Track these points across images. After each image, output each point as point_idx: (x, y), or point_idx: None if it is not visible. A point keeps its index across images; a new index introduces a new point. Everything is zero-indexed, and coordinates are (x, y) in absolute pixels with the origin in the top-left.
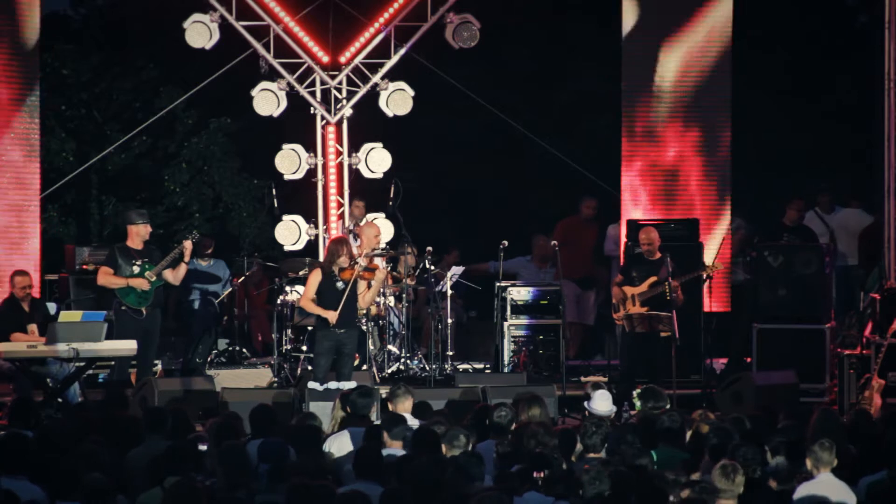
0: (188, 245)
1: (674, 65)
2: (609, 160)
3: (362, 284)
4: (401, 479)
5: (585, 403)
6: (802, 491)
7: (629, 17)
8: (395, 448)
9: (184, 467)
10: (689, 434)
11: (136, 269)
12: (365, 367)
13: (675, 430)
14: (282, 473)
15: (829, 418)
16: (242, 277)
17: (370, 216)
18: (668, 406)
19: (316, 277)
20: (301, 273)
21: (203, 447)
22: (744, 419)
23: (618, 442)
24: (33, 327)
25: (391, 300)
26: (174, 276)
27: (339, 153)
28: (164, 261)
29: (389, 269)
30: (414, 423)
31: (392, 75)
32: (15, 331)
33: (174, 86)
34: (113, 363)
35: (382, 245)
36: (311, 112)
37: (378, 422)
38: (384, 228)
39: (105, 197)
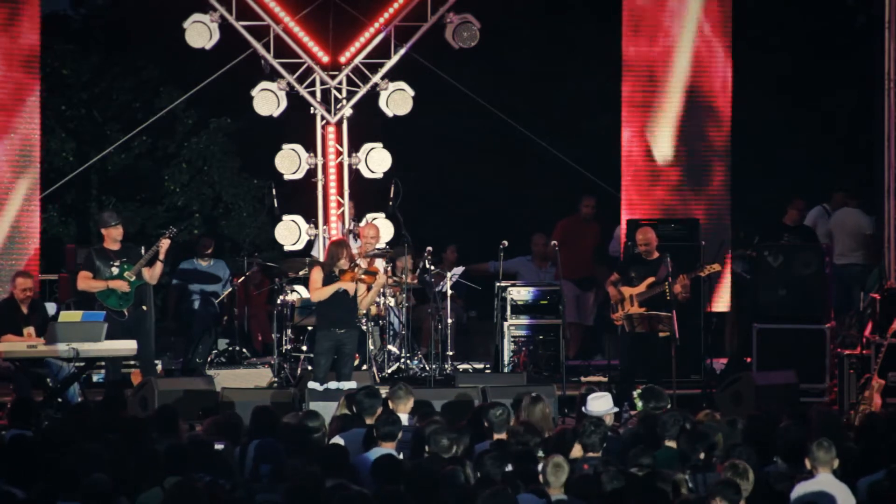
0: (164, 244)
1: (673, 64)
2: (609, 160)
3: (362, 287)
4: (399, 480)
5: (583, 409)
6: (800, 490)
7: (629, 19)
8: (387, 448)
9: (184, 467)
10: None
11: (115, 270)
12: (365, 367)
13: (675, 430)
14: (281, 473)
15: (830, 419)
16: (242, 277)
17: (370, 216)
18: (668, 406)
19: (318, 272)
20: (301, 273)
21: (219, 446)
22: (736, 421)
23: (618, 442)
24: (31, 330)
25: (391, 300)
26: (151, 274)
27: (339, 153)
28: (143, 259)
29: (390, 271)
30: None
31: (392, 75)
32: (10, 332)
33: (174, 86)
34: (104, 363)
35: (382, 245)
36: (311, 112)
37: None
38: (384, 228)
39: (105, 197)
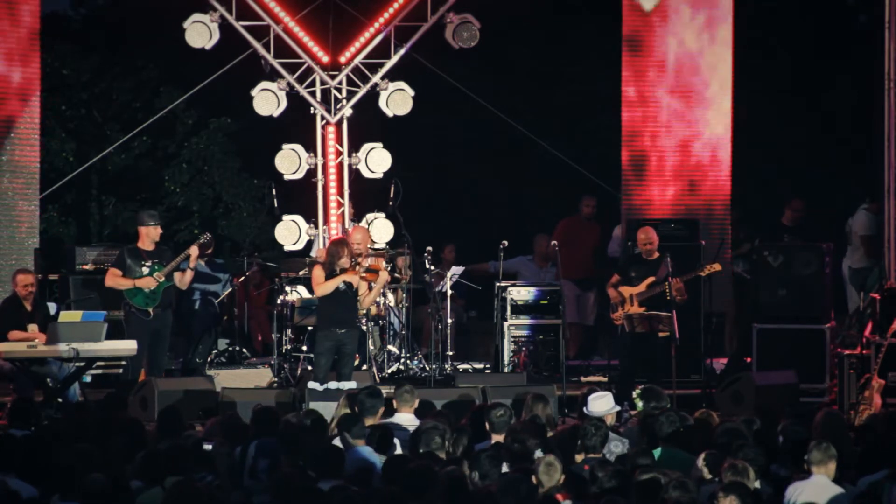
0: (194, 251)
1: (674, 64)
2: (609, 160)
3: (363, 285)
4: (393, 480)
5: (584, 409)
6: (793, 490)
7: (629, 18)
8: (359, 445)
9: (184, 467)
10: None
11: (146, 270)
12: (365, 367)
13: (675, 430)
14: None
15: (834, 420)
16: (242, 277)
17: (370, 216)
18: (668, 406)
19: (320, 270)
20: (301, 273)
21: (208, 446)
22: (754, 421)
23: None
24: (34, 327)
25: (391, 300)
26: (181, 280)
27: (339, 153)
28: (174, 262)
29: (389, 269)
30: (413, 423)
31: (392, 75)
32: (14, 329)
33: (174, 86)
34: (125, 363)
35: (382, 245)
36: (311, 112)
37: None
38: (384, 228)
39: (105, 197)
